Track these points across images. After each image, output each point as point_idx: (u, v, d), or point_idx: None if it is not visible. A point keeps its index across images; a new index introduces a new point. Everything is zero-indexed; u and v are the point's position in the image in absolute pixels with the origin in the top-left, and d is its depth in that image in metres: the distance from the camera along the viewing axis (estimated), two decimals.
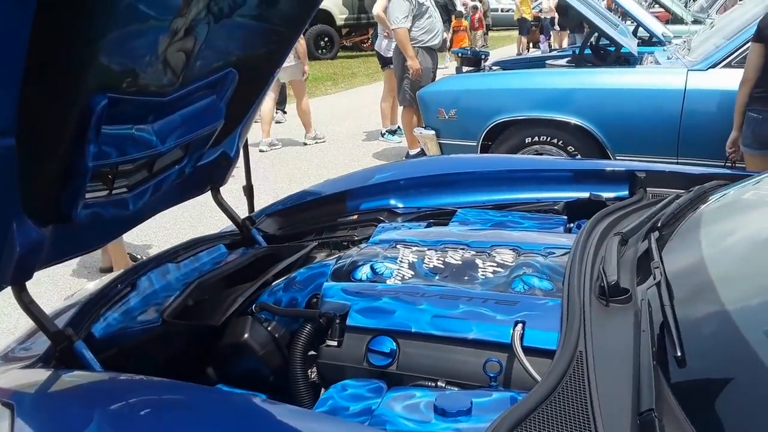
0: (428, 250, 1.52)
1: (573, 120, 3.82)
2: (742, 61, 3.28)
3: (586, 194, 1.99)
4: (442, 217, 1.95)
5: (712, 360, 0.97)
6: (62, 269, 3.59)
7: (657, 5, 8.95)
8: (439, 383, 1.18)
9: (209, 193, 1.87)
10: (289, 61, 6.08)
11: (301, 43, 6.11)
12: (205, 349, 1.49)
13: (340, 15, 14.49)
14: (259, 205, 2.22)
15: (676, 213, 1.45)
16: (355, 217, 2.06)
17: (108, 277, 1.61)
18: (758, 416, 0.82)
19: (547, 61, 5.35)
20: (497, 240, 1.55)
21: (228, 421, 0.96)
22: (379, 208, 2.07)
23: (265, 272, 1.67)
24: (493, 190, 2.10)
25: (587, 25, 4.65)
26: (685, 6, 10.00)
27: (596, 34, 4.89)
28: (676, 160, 3.51)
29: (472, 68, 5.19)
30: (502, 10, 20.92)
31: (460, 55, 5.79)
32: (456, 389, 1.15)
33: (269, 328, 1.46)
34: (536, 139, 3.97)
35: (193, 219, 4.27)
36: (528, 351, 1.12)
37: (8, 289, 1.19)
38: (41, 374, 1.20)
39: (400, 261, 1.47)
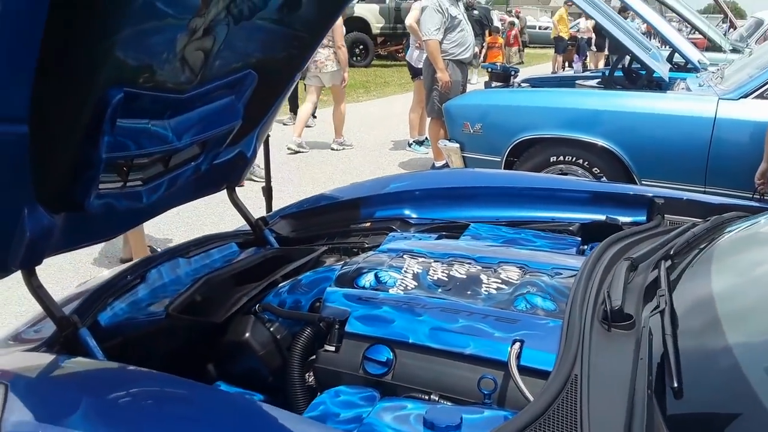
0: (434, 262, 1.51)
1: (600, 142, 3.77)
2: None
3: (602, 217, 1.96)
4: (455, 230, 1.94)
5: (709, 394, 0.95)
6: (84, 257, 3.65)
7: (697, 32, 8.84)
8: (432, 396, 1.17)
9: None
10: (331, 67, 6.17)
11: (342, 51, 6.18)
12: (207, 346, 1.50)
13: (377, 24, 14.62)
14: (279, 207, 2.24)
15: (690, 242, 1.42)
16: (368, 224, 2.06)
17: (120, 267, 1.64)
18: None
19: (576, 81, 5.30)
20: (505, 257, 1.53)
21: (215, 419, 0.96)
22: (392, 218, 2.07)
23: (273, 273, 1.68)
24: (509, 206, 2.08)
25: (618, 47, 4.61)
26: (725, 34, 9.85)
27: (629, 57, 4.84)
28: (703, 189, 3.43)
29: (500, 84, 5.17)
30: (539, 28, 20.89)
31: (489, 70, 5.77)
32: (448, 404, 1.14)
33: (271, 329, 1.47)
34: (561, 158, 3.92)
35: (216, 216, 4.32)
36: (524, 371, 1.11)
37: None
38: (43, 358, 1.22)
39: (405, 271, 1.47)
